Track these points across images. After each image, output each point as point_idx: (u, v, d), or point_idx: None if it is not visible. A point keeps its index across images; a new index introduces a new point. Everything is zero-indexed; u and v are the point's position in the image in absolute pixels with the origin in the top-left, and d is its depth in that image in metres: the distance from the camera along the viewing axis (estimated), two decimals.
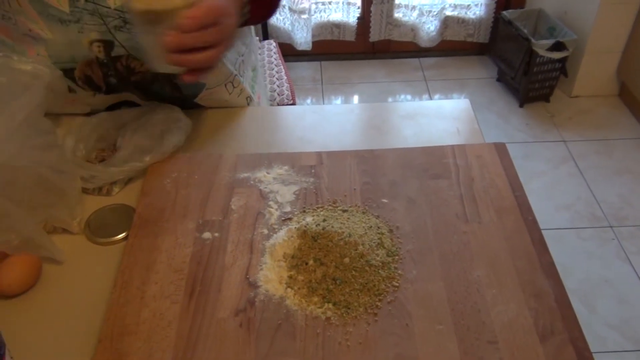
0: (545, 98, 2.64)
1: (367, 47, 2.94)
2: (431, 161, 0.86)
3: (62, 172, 0.77)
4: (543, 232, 0.76)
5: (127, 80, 0.91)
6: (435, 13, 2.78)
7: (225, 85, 0.97)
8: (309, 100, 2.72)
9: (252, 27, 1.10)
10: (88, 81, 0.90)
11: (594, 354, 0.62)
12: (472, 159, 0.86)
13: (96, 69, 0.89)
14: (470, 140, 0.93)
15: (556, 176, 2.30)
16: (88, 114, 0.94)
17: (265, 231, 0.76)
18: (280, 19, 2.82)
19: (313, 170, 0.85)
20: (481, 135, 0.94)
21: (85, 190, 0.84)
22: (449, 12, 2.83)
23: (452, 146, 0.88)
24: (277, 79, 1.84)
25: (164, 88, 0.93)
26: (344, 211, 0.78)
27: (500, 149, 0.88)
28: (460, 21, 2.85)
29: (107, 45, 0.85)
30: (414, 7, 2.80)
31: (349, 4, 2.79)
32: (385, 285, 0.69)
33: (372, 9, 2.79)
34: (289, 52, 2.80)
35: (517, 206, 0.79)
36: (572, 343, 0.63)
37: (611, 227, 2.07)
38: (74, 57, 0.87)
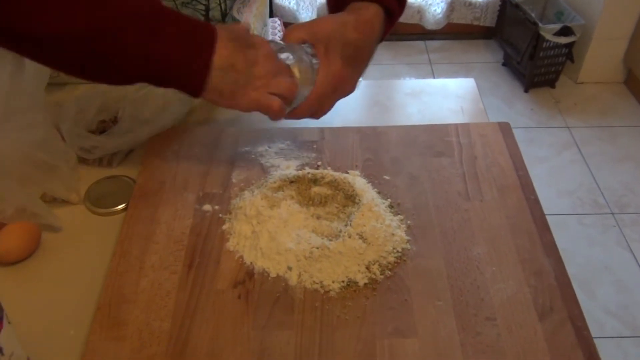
0: (551, 84, 2.62)
1: None
2: (434, 139, 0.85)
3: (51, 149, 0.76)
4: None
5: None
6: None
7: None
8: None
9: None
10: None
11: None
12: (476, 137, 0.85)
13: None
14: (475, 119, 0.92)
15: (559, 162, 2.29)
16: None
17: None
18: None
19: (315, 146, 0.85)
20: (485, 114, 0.94)
21: (85, 161, 0.83)
22: None
23: (456, 124, 0.88)
24: None
25: None
26: None
27: (504, 128, 0.87)
28: (467, 4, 2.82)
29: None
30: None
31: None
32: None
33: None
34: None
35: (520, 185, 0.78)
36: (571, 321, 0.63)
37: (613, 214, 2.07)
38: None
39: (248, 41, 0.67)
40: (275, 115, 0.70)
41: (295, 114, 0.74)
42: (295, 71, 0.71)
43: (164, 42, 0.61)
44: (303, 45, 0.72)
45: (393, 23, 0.78)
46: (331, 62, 0.72)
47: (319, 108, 0.75)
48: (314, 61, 0.72)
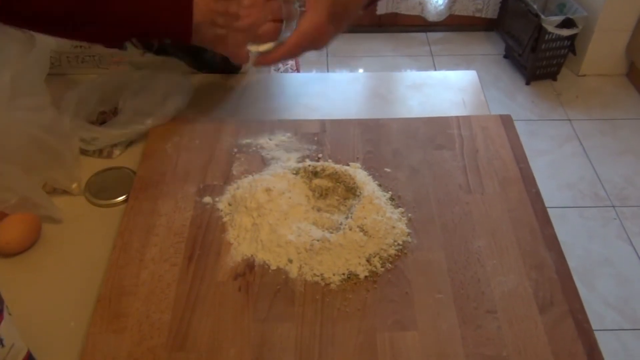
0: (553, 76, 2.61)
1: (374, 20, 2.90)
2: (436, 131, 0.85)
3: (57, 133, 0.76)
4: None
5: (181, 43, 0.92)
6: None
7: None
8: (313, 72, 2.69)
9: None
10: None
11: None
12: (477, 130, 0.85)
13: None
14: (476, 111, 0.92)
15: (560, 155, 2.29)
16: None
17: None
18: None
19: (316, 138, 0.84)
20: (487, 107, 0.93)
21: (85, 152, 0.83)
22: None
23: (457, 117, 0.87)
24: None
25: (215, 56, 0.94)
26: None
27: (506, 121, 0.86)
28: None
29: None
30: None
31: None
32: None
33: None
34: None
35: (521, 178, 0.78)
36: (572, 315, 0.63)
37: (613, 206, 2.07)
38: None
39: None
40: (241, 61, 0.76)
41: (268, 60, 0.77)
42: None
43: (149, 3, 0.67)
44: None
45: None
46: (317, 14, 0.73)
47: (290, 56, 0.77)
48: (300, 7, 0.73)
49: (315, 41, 0.76)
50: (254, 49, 0.77)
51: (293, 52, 0.77)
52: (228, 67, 0.99)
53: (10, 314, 0.54)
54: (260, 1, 0.72)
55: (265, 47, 0.76)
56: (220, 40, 0.73)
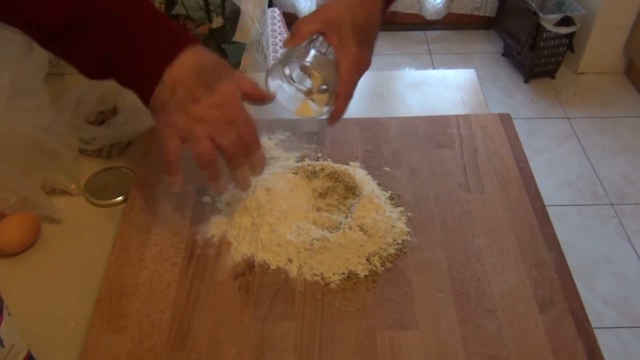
0: (551, 74, 2.61)
1: None
2: (435, 130, 0.85)
3: (56, 134, 0.76)
4: None
5: None
6: None
7: (255, 44, 1.00)
8: None
9: None
10: None
11: None
12: (477, 129, 0.85)
13: None
14: (475, 110, 0.92)
15: (559, 153, 2.29)
16: None
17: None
18: None
19: (315, 137, 0.84)
20: (486, 105, 0.93)
21: (84, 153, 0.83)
22: None
23: (457, 116, 0.87)
24: (281, 47, 1.81)
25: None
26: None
27: (505, 120, 0.86)
28: None
29: (170, 2, 0.86)
30: None
31: None
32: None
33: None
34: (293, 22, 2.76)
35: (521, 177, 0.78)
36: (572, 313, 0.63)
37: (612, 204, 2.07)
38: None
39: (213, 79, 0.62)
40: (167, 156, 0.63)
41: (337, 113, 0.74)
42: (317, 72, 0.72)
43: (130, 36, 0.60)
44: (313, 40, 0.72)
45: None
46: (348, 48, 0.72)
47: (351, 97, 0.75)
48: (330, 52, 0.72)
49: (361, 71, 0.76)
50: (317, 114, 0.76)
51: (350, 93, 0.75)
52: None
53: (10, 314, 0.54)
54: (230, 107, 0.63)
55: (325, 110, 0.75)
56: (167, 115, 0.62)
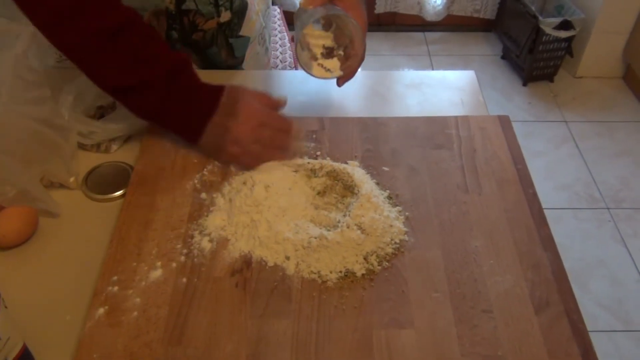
0: (549, 77, 2.62)
1: (372, 19, 2.89)
2: (434, 131, 0.85)
3: (56, 126, 0.76)
4: None
5: (187, 38, 0.94)
6: None
7: (258, 37, 1.01)
8: None
9: None
10: None
11: None
12: (475, 130, 0.85)
13: (162, 20, 0.90)
14: (474, 111, 0.92)
15: (556, 156, 2.29)
16: None
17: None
18: None
19: (314, 136, 0.84)
20: (485, 107, 0.93)
21: (83, 147, 0.83)
22: None
23: (456, 117, 0.88)
24: (280, 45, 1.81)
25: (220, 52, 0.96)
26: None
27: (504, 122, 0.87)
28: None
29: None
30: None
31: None
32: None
33: None
34: (293, 21, 2.76)
35: (518, 179, 0.78)
36: (567, 315, 0.63)
37: (608, 208, 2.08)
38: (144, 5, 0.89)
39: (232, 109, 0.76)
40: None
41: (349, 75, 0.85)
42: (343, 33, 0.83)
43: (175, 105, 0.76)
44: (327, 8, 0.80)
45: None
46: (356, 7, 0.82)
47: (363, 55, 0.84)
48: (344, 14, 0.80)
49: (364, 26, 0.83)
50: (330, 75, 0.85)
51: (363, 55, 0.84)
52: (231, 64, 0.99)
53: (6, 307, 0.54)
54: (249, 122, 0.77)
55: (335, 74, 0.85)
56: (218, 148, 0.78)
